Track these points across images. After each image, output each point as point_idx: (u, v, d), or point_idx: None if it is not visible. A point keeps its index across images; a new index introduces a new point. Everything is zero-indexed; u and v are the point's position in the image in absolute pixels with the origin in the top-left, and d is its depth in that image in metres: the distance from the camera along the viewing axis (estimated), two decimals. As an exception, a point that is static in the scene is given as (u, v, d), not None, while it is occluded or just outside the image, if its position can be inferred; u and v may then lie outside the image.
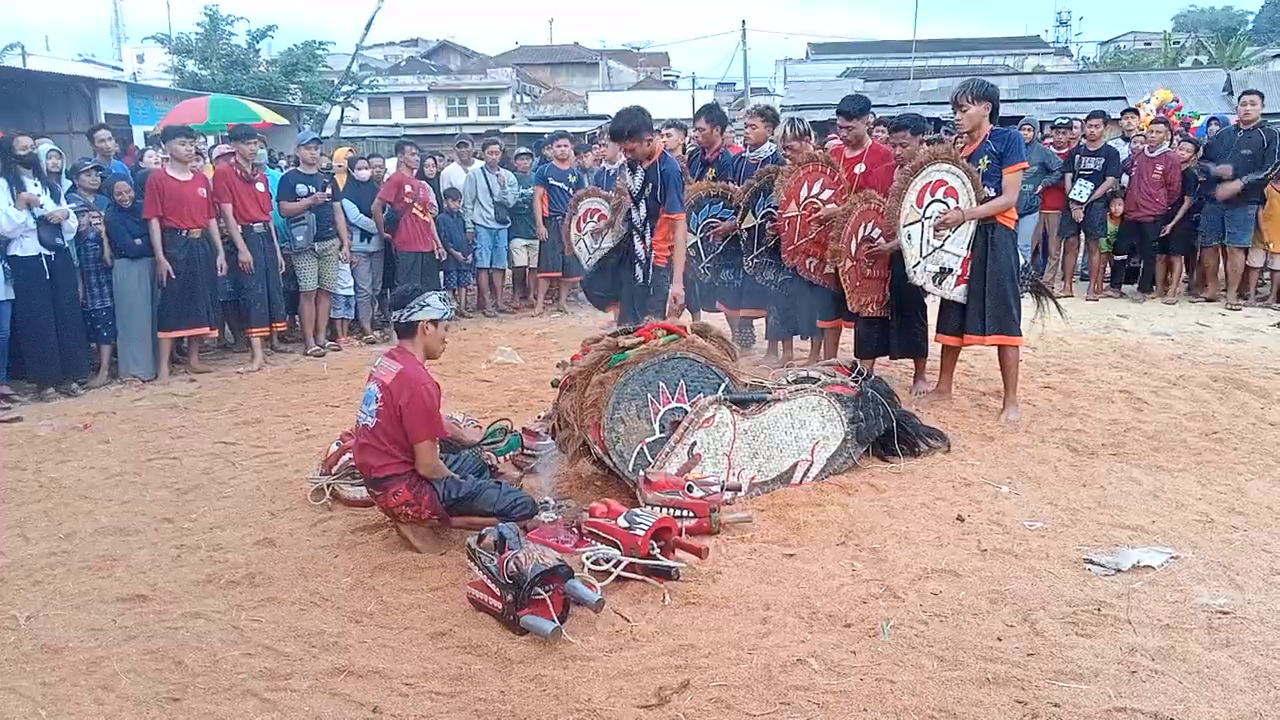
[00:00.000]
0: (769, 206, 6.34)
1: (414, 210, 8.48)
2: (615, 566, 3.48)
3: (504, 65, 46.87)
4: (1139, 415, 5.63)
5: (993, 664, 2.91)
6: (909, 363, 6.35)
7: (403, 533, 3.94)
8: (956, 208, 5.26)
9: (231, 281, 7.62)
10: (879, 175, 5.94)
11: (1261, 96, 9.08)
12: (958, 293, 5.42)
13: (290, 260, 7.98)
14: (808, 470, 4.53)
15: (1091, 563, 3.60)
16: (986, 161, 5.25)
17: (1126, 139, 10.08)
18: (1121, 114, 10.66)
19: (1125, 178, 9.51)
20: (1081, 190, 9.56)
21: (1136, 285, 10.02)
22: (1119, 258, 9.99)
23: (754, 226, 6.45)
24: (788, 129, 6.43)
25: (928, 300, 5.93)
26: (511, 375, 7.14)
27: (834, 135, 6.83)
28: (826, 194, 6.09)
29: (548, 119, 36.17)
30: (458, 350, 7.57)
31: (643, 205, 5.70)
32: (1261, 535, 3.85)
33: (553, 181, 9.79)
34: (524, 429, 4.88)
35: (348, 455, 4.42)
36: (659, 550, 3.56)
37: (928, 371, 6.19)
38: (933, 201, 5.26)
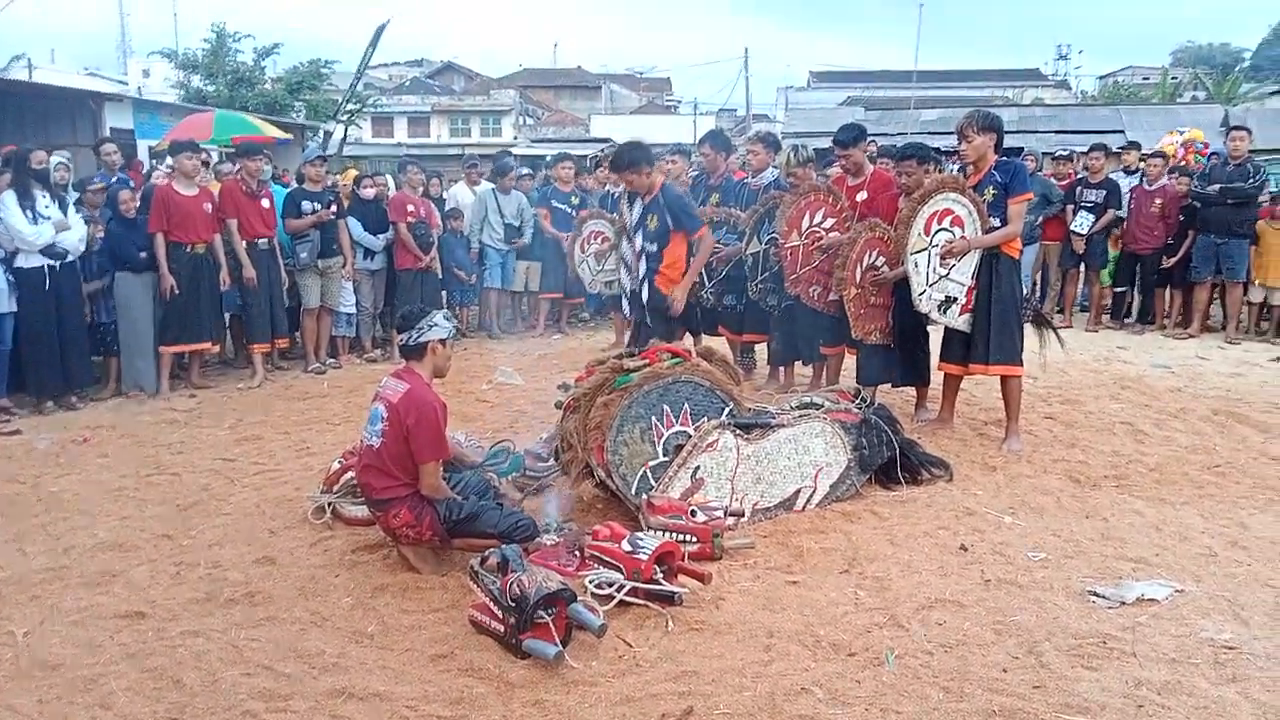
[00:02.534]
0: (773, 232, 6.36)
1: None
2: (618, 591, 3.46)
3: (507, 87, 47.16)
4: (1140, 447, 5.62)
5: (999, 696, 2.89)
6: (910, 390, 6.35)
7: (403, 553, 3.91)
8: (963, 236, 5.30)
9: (235, 296, 7.63)
10: (882, 203, 5.97)
11: (1249, 132, 9.36)
12: (962, 321, 5.43)
13: (293, 277, 8.00)
14: (810, 497, 4.52)
15: (1096, 595, 3.59)
16: (992, 192, 5.29)
17: (1128, 172, 10.17)
18: (1121, 149, 10.77)
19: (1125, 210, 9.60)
20: (1083, 222, 9.63)
21: (1134, 317, 10.06)
22: (1119, 290, 10.04)
23: (759, 252, 6.47)
24: (791, 155, 6.46)
25: (930, 329, 5.95)
26: (512, 396, 7.13)
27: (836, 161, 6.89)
28: (829, 223, 6.13)
29: (550, 141, 36.33)
30: (458, 370, 7.54)
31: (638, 237, 5.72)
32: (1265, 570, 3.84)
33: (555, 204, 9.84)
34: (526, 450, 4.87)
35: (349, 474, 4.40)
36: (662, 575, 3.54)
37: (929, 400, 6.20)
38: (939, 230, 5.29)
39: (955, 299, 5.41)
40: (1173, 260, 9.42)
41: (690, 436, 4.33)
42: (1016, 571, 3.82)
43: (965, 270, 5.37)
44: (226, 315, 7.94)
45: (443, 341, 3.95)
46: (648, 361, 4.47)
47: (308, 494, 4.68)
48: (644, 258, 5.73)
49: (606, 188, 9.74)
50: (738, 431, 4.37)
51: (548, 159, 11.92)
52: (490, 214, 9.70)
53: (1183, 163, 10.69)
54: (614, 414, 4.27)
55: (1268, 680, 2.97)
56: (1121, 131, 19.46)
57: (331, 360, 8.35)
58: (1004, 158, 5.49)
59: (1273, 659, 3.10)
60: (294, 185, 8.69)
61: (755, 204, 6.60)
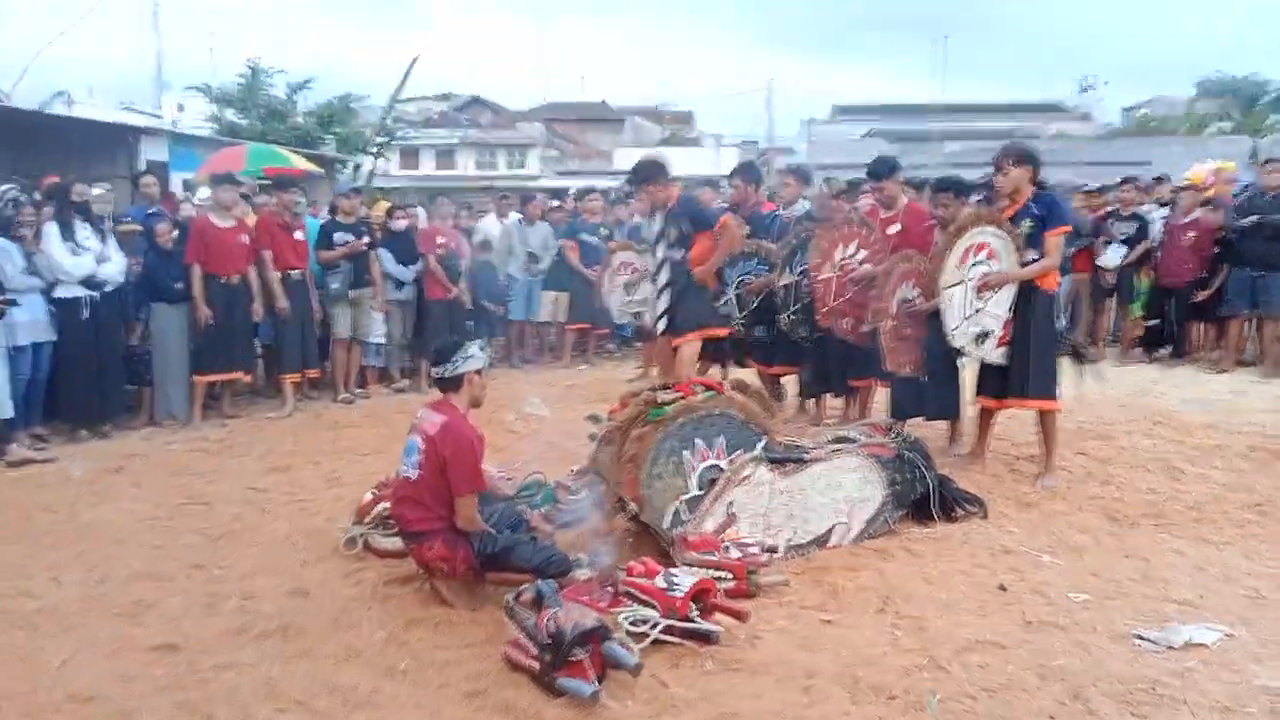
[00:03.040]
0: (805, 264, 6.36)
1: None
2: (653, 629, 3.41)
3: (533, 120, 47.62)
4: (1177, 485, 5.51)
5: (1047, 743, 2.82)
6: (940, 424, 6.28)
7: (436, 586, 3.89)
8: (999, 270, 5.26)
9: (268, 327, 7.72)
10: (916, 235, 5.96)
11: None
12: (998, 355, 5.38)
13: (325, 307, 8.07)
14: (845, 533, 4.46)
15: (1141, 638, 3.50)
16: (1029, 224, 5.26)
17: (1160, 204, 10.09)
18: (1156, 180, 10.70)
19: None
20: (1113, 255, 9.55)
21: (1169, 351, 9.91)
22: (1150, 323, 9.92)
23: (790, 284, 6.46)
24: (824, 187, 6.48)
25: (961, 362, 5.90)
26: (540, 427, 7.11)
27: (865, 194, 6.90)
28: (861, 255, 6.12)
29: (575, 173, 36.62)
30: (486, 400, 7.57)
31: (660, 248, 5.96)
32: (1316, 614, 3.74)
33: (584, 236, 9.90)
34: (558, 483, 4.85)
35: (382, 505, 4.40)
36: (698, 613, 3.49)
37: (961, 434, 6.13)
38: (975, 264, 5.26)
39: (991, 332, 5.36)
40: (1206, 293, 9.31)
41: (724, 471, 4.29)
42: (1058, 613, 3.74)
43: (1002, 303, 5.33)
44: (258, 345, 8.02)
45: (479, 372, 3.97)
46: (682, 394, 4.45)
47: (339, 525, 4.68)
48: (668, 267, 5.91)
49: (635, 218, 9.79)
50: (772, 465, 4.32)
51: (571, 191, 12.04)
52: (516, 245, 9.78)
53: (1210, 190, 10.55)
54: (648, 447, 4.24)
55: (1326, 730, 2.88)
56: (1149, 164, 19.35)
57: (360, 390, 8.39)
58: (1040, 190, 5.47)
59: (1330, 708, 3.01)
60: (324, 217, 8.80)
61: (787, 235, 6.61)
